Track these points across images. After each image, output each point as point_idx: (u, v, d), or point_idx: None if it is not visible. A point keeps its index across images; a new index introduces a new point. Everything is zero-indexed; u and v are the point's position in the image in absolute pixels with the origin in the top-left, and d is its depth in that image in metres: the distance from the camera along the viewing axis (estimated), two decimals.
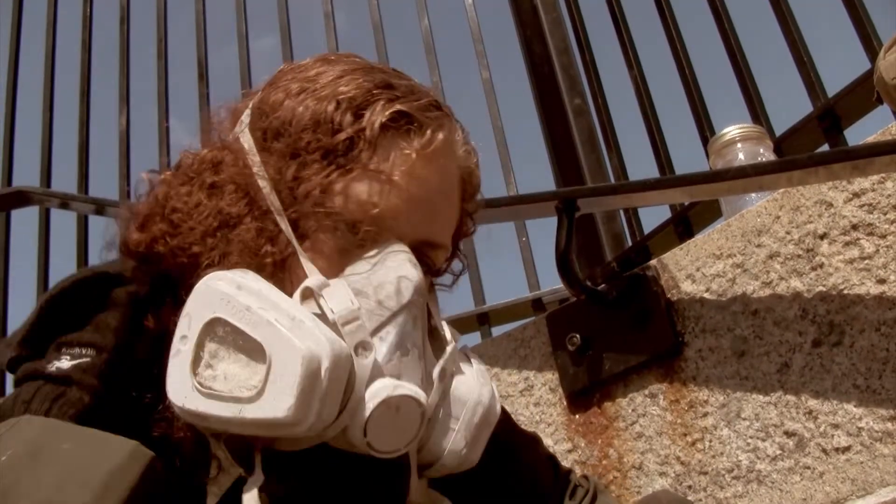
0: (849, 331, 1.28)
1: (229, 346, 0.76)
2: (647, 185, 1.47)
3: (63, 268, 2.64)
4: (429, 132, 0.91)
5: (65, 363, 0.82)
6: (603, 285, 1.59)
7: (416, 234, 0.90)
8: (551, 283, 2.14)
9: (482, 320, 2.16)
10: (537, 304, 2.12)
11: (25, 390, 0.81)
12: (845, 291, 1.29)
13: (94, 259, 0.97)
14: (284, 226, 0.88)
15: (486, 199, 1.70)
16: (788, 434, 1.32)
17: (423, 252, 0.91)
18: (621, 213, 2.11)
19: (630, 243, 2.04)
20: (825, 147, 1.62)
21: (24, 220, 2.68)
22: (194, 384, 0.76)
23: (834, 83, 1.63)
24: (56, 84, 2.94)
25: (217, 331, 0.77)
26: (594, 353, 1.57)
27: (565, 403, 1.62)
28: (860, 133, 1.93)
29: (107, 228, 1.00)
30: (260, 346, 0.75)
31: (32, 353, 0.84)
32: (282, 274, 0.86)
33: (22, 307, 2.64)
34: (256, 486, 0.78)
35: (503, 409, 1.14)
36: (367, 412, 0.77)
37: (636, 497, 1.47)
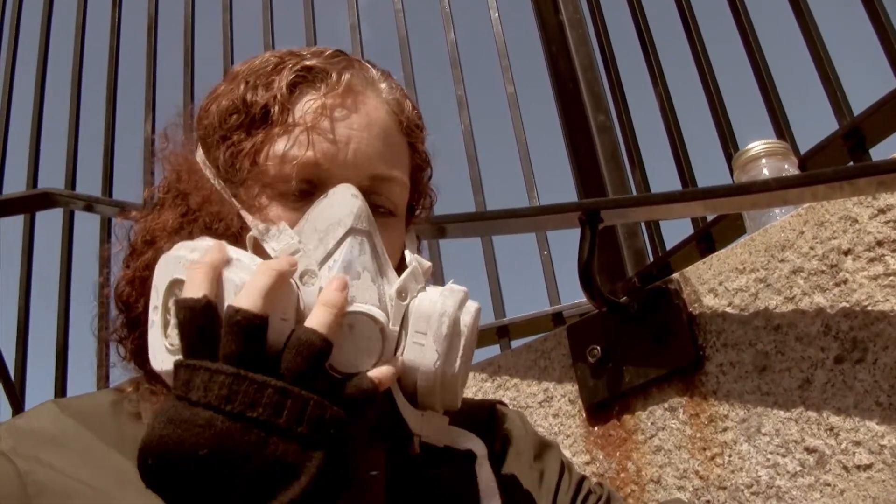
0: (872, 347, 1.27)
1: None
2: (670, 198, 1.46)
3: (85, 270, 2.65)
4: (334, 75, 0.96)
5: None
6: (624, 298, 1.59)
7: (358, 172, 0.92)
8: (571, 299, 2.14)
9: (502, 333, 2.16)
10: (557, 318, 2.11)
11: None
12: (869, 308, 1.29)
13: (117, 261, 1.02)
14: (228, 196, 0.93)
15: (509, 209, 1.72)
16: (809, 450, 1.31)
17: (376, 189, 0.94)
18: (643, 230, 2.11)
19: (652, 260, 2.04)
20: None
21: (47, 223, 2.70)
22: (166, 346, 0.79)
23: (860, 101, 1.63)
24: (83, 89, 2.97)
25: (176, 292, 0.79)
26: (614, 366, 1.57)
27: (584, 415, 1.62)
28: (886, 152, 1.92)
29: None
30: None
31: None
32: (242, 245, 0.89)
33: (44, 309, 2.66)
34: None
35: (522, 416, 1.14)
36: None
37: None
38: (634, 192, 2.16)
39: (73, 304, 2.59)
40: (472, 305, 0.90)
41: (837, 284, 1.33)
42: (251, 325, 0.72)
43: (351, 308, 0.79)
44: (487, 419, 1.10)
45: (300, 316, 0.78)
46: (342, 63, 0.98)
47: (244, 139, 0.93)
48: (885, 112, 1.55)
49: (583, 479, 1.10)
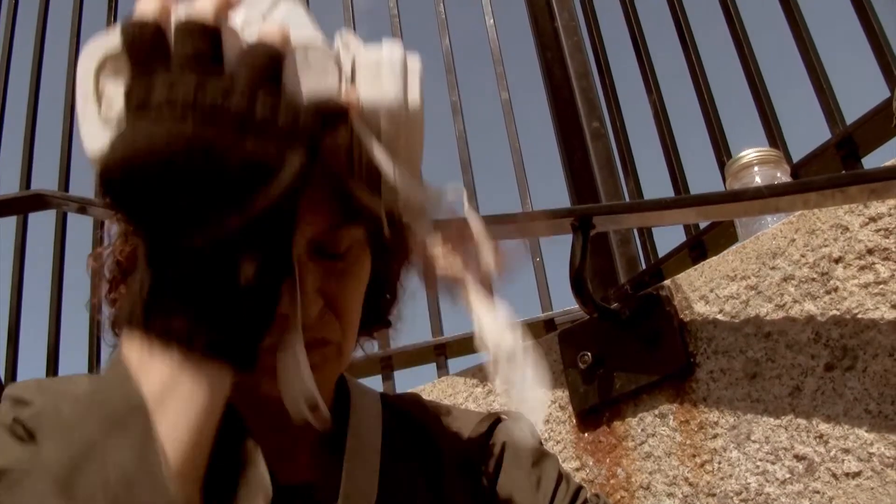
0: (862, 355, 1.28)
1: (119, 71, 0.68)
2: (663, 205, 1.47)
3: (78, 272, 2.65)
4: None
5: None
6: (616, 305, 1.59)
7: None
8: (563, 305, 2.14)
9: None
10: (549, 325, 2.11)
11: None
12: (859, 316, 1.29)
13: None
14: None
15: (502, 214, 1.72)
16: (798, 458, 1.31)
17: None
18: (636, 237, 2.11)
19: (644, 267, 2.04)
20: None
21: (40, 224, 2.70)
22: (103, 126, 0.69)
23: (853, 110, 1.63)
24: None
25: (105, 68, 0.69)
26: (605, 372, 1.57)
27: (574, 421, 1.61)
28: (879, 161, 1.93)
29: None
30: None
31: None
32: None
33: (36, 311, 2.65)
34: None
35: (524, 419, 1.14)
36: None
37: None
38: (627, 199, 2.16)
39: (64, 306, 2.58)
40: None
41: (828, 292, 1.33)
42: (205, 30, 0.64)
43: (300, 39, 0.70)
44: (488, 429, 1.10)
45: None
46: None
47: None
48: (877, 121, 1.55)
49: (580, 488, 1.09)
